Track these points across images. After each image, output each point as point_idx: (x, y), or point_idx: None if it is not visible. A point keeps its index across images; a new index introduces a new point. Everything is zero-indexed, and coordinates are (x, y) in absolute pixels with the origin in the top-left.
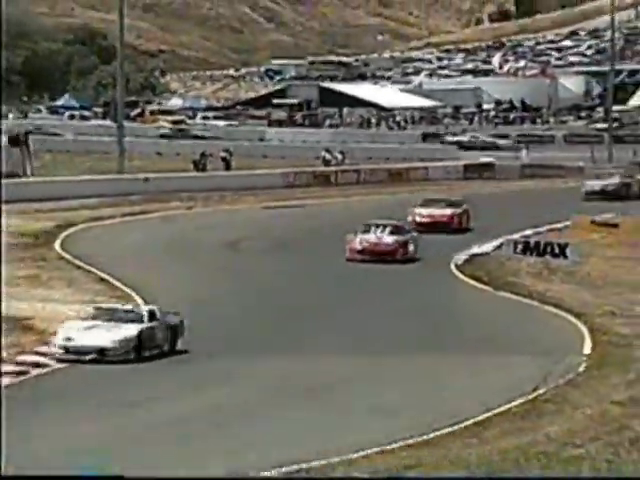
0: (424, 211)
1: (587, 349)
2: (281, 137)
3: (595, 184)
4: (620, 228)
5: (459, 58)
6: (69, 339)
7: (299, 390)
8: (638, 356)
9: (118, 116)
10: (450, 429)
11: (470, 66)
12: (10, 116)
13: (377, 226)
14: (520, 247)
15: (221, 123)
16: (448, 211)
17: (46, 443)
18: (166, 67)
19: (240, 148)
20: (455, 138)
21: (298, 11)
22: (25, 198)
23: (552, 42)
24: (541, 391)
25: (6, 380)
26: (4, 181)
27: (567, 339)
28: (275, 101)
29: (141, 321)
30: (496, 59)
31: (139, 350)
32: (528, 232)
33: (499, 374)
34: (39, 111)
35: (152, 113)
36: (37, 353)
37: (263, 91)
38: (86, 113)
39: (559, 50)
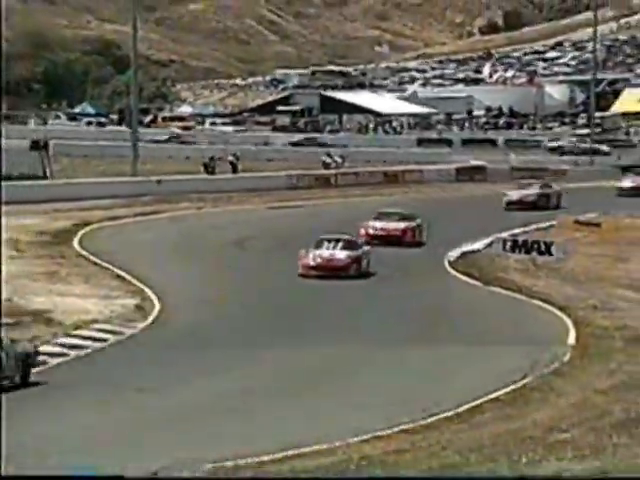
0: (378, 224)
1: (571, 340)
2: (284, 142)
3: (514, 194)
4: (602, 227)
5: (451, 68)
6: None
7: (300, 380)
8: (619, 347)
9: (132, 122)
10: (442, 415)
11: (462, 75)
12: (31, 122)
13: (329, 241)
14: (509, 245)
15: (229, 129)
16: (402, 225)
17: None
18: (177, 76)
19: (246, 152)
20: (556, 144)
21: (301, 24)
22: (45, 199)
23: (538, 53)
24: (528, 380)
25: None
26: (25, 183)
27: (552, 331)
28: (279, 108)
29: None
30: (486, 69)
31: None
32: (516, 231)
33: (489, 363)
34: (58, 118)
35: (164, 119)
36: (56, 344)
37: (268, 99)
38: (102, 120)
39: (545, 60)
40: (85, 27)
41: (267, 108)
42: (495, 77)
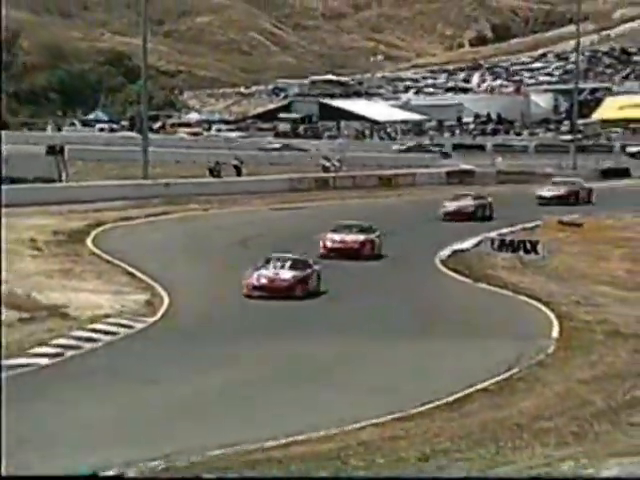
0: (336, 237)
1: (555, 334)
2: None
3: (451, 205)
4: (584, 227)
5: (442, 77)
6: None
7: (300, 370)
8: (600, 340)
9: (142, 129)
10: (434, 404)
11: (452, 84)
12: (49, 129)
13: (277, 260)
14: (497, 244)
15: (233, 134)
16: (360, 237)
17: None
18: (184, 85)
19: (249, 157)
20: (635, 149)
21: (301, 36)
22: (60, 200)
23: (524, 64)
24: (515, 371)
25: (45, 360)
26: (42, 185)
27: (537, 325)
28: (280, 115)
29: None
30: (475, 78)
31: None
32: (504, 230)
33: (478, 355)
34: (73, 124)
35: (172, 126)
36: (71, 337)
37: (270, 106)
38: (114, 126)
39: (530, 71)
40: (98, 40)
41: (269, 115)
42: (483, 86)
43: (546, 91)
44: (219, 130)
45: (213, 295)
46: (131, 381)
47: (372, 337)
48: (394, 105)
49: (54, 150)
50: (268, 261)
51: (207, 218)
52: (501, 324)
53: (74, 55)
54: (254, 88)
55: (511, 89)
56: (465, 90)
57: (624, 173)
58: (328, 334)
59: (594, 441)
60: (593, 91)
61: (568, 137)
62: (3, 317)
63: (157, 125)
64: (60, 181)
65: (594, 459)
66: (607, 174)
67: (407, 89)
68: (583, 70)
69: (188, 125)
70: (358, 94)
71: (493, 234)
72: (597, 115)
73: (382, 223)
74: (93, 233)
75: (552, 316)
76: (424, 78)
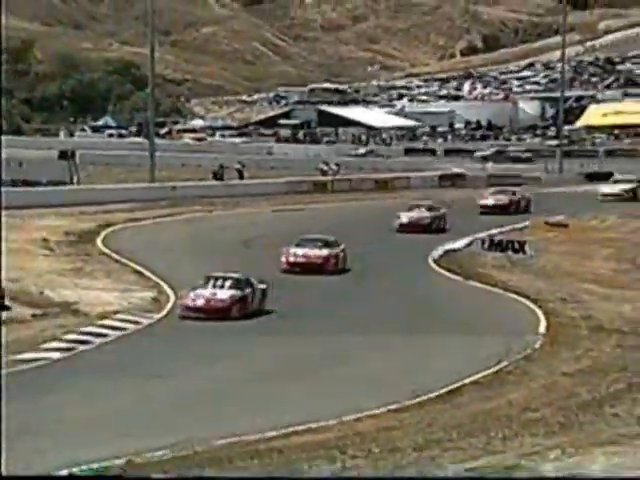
0: (299, 251)
1: (542, 329)
2: (286, 151)
3: (405, 217)
4: (569, 228)
5: (435, 86)
6: None
7: (300, 363)
8: (584, 335)
9: (150, 134)
10: (427, 396)
11: (444, 92)
12: (61, 134)
13: (217, 279)
14: (487, 244)
15: (236, 140)
16: (324, 252)
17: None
18: (190, 93)
19: (251, 161)
20: None
21: (301, 47)
22: (72, 203)
23: (513, 72)
24: (504, 364)
25: (56, 354)
26: (54, 188)
27: (525, 321)
28: (281, 122)
29: None
30: (466, 86)
31: None
32: (494, 231)
33: (469, 350)
34: (84, 130)
35: (178, 132)
36: (82, 332)
37: (271, 113)
38: (123, 132)
39: (519, 79)
40: (108, 50)
41: (270, 122)
42: (474, 94)
43: (533, 99)
44: (223, 136)
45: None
46: (138, 375)
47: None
48: (389, 112)
49: (66, 155)
50: (208, 279)
51: (211, 219)
52: (491, 320)
53: (85, 64)
54: (256, 96)
55: (500, 97)
56: (457, 98)
57: (608, 177)
58: (326, 332)
59: (579, 431)
60: (578, 99)
61: (554, 142)
62: (16, 313)
63: (163, 131)
64: (72, 184)
65: (579, 448)
66: (592, 178)
67: (401, 97)
68: (569, 79)
69: (193, 131)
70: (355, 101)
71: (483, 234)
72: (582, 122)
73: (379, 223)
74: (103, 233)
75: (539, 312)
76: (418, 87)
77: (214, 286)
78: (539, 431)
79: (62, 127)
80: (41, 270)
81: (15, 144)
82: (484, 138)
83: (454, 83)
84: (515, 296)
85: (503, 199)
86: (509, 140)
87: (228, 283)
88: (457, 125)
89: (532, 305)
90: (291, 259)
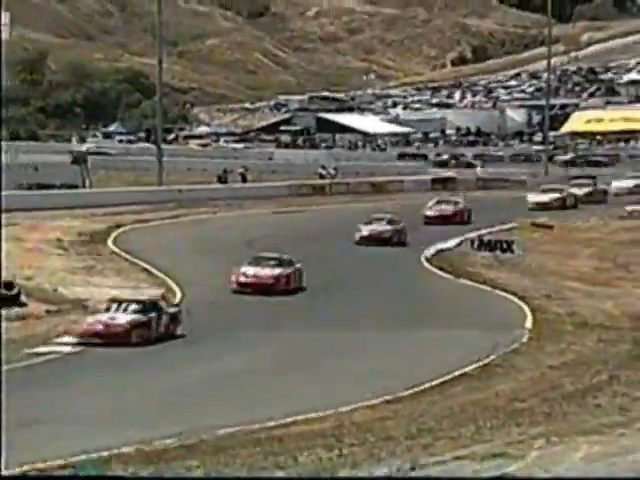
0: (250, 270)
1: (529, 325)
2: (286, 156)
3: (366, 229)
4: (554, 229)
5: (428, 94)
6: None
7: (299, 357)
8: (569, 330)
9: (157, 140)
10: (420, 388)
11: (436, 101)
12: (73, 140)
13: (120, 303)
14: (476, 244)
15: (239, 145)
16: (276, 271)
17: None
18: (195, 101)
19: (254, 165)
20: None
21: (300, 57)
22: (84, 205)
23: (501, 82)
24: (492, 358)
25: (68, 348)
26: (67, 191)
27: (513, 316)
28: (282, 128)
29: None
30: (457, 95)
31: None
32: (483, 232)
33: (459, 344)
34: (95, 136)
35: (185, 138)
36: None
37: (272, 120)
38: (132, 138)
39: (506, 88)
40: (118, 60)
41: (271, 128)
42: (464, 102)
43: (520, 106)
44: (227, 142)
45: (220, 289)
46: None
47: (365, 326)
48: (384, 119)
49: (78, 160)
50: (110, 303)
51: (216, 220)
52: (480, 316)
53: (96, 74)
54: (258, 104)
55: (489, 105)
56: (448, 105)
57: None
58: (323, 326)
59: (563, 420)
60: (563, 107)
61: (540, 148)
62: (32, 309)
63: (171, 137)
64: (84, 187)
65: (564, 437)
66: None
67: (395, 105)
68: (554, 88)
69: (199, 137)
70: (351, 109)
71: (472, 235)
72: (566, 128)
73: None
74: (113, 234)
75: (526, 309)
76: (411, 95)
77: (117, 310)
78: (525, 421)
79: (74, 133)
80: (55, 268)
81: (32, 149)
82: (473, 144)
83: (445, 92)
84: (503, 293)
85: (447, 209)
86: (497, 145)
87: (132, 307)
88: (448, 131)
89: (519, 302)
90: (241, 279)
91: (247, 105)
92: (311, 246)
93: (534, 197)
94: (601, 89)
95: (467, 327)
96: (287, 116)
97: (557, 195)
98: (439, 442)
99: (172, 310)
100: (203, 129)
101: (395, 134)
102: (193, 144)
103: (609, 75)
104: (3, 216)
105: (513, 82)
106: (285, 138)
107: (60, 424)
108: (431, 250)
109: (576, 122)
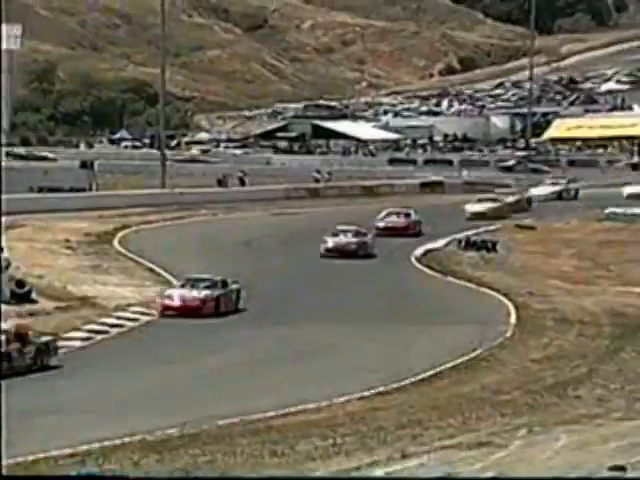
0: (176, 294)
1: (512, 320)
2: (283, 161)
3: (331, 241)
4: (537, 230)
5: (417, 102)
6: None
7: (296, 351)
8: (550, 325)
9: (161, 146)
10: (410, 380)
11: (425, 108)
12: (81, 146)
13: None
14: (463, 244)
15: (238, 151)
16: (202, 293)
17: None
18: (197, 109)
19: (252, 170)
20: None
21: (296, 67)
22: (91, 207)
23: (486, 91)
24: (478, 352)
25: (77, 343)
26: (75, 194)
27: (497, 313)
28: (278, 134)
29: None
30: (444, 103)
31: None
32: (469, 232)
33: (446, 339)
34: (101, 142)
35: (186, 144)
36: (100, 323)
37: (270, 127)
38: (137, 144)
39: (491, 97)
40: (123, 70)
41: (269, 135)
42: (452, 110)
43: (504, 114)
44: (226, 147)
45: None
46: (151, 361)
47: (356, 321)
48: (375, 126)
49: (86, 164)
50: None
51: (216, 222)
52: (466, 312)
53: (103, 83)
54: (256, 111)
55: (475, 112)
56: (436, 113)
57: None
58: (320, 321)
59: (545, 411)
60: (544, 114)
61: (523, 153)
62: (42, 306)
63: (173, 143)
64: (91, 190)
65: (545, 427)
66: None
67: (386, 112)
68: (536, 96)
69: (200, 143)
70: (344, 116)
71: (460, 235)
72: (548, 135)
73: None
74: (119, 235)
75: (510, 305)
76: (401, 103)
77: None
78: (509, 412)
79: (82, 139)
80: (64, 267)
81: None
82: (459, 149)
83: (433, 100)
84: (488, 291)
85: (400, 222)
86: (481, 151)
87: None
88: (436, 138)
89: (503, 299)
90: (167, 302)
91: (246, 113)
92: (307, 245)
93: (471, 207)
94: (580, 98)
95: (454, 322)
96: (284, 123)
97: (493, 205)
98: (428, 432)
99: (42, 340)
100: (204, 135)
101: (386, 140)
102: (194, 150)
103: (588, 84)
104: (14, 218)
105: (498, 91)
106: (282, 144)
107: (69, 414)
108: (420, 250)
109: (557, 129)
